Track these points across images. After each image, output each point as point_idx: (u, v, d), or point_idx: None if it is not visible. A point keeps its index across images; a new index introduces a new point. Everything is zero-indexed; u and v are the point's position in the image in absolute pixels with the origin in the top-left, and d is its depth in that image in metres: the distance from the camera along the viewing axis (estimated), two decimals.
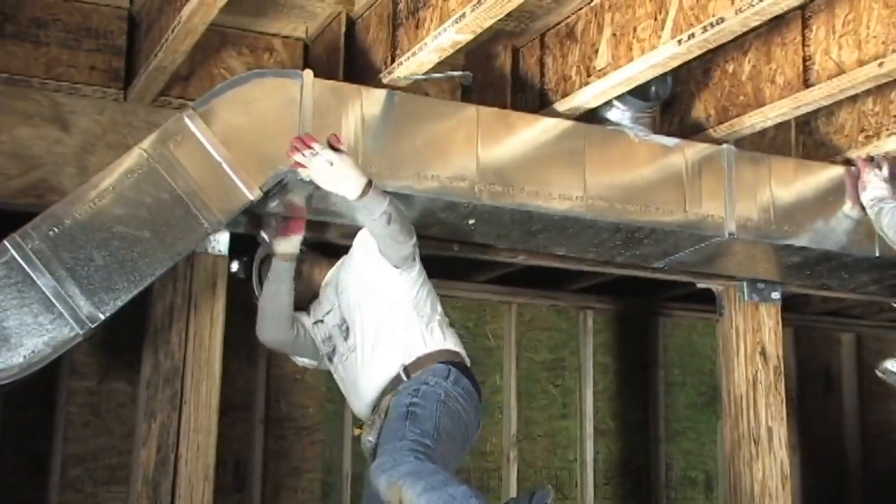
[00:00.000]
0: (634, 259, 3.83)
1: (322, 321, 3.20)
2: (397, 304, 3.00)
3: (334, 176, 2.85)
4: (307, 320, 3.28)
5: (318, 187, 2.94)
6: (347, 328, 3.07)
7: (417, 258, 3.04)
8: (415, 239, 2.97)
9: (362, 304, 3.03)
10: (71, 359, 4.34)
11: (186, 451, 3.28)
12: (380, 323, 3.00)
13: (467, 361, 3.06)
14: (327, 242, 3.44)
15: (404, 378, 2.93)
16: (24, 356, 2.84)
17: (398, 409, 2.81)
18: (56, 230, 2.88)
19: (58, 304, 2.85)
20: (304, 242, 3.25)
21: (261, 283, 3.29)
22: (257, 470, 4.71)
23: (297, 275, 3.25)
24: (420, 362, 2.94)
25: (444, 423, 2.79)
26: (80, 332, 2.88)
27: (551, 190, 3.34)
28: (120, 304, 2.91)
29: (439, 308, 3.10)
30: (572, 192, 3.36)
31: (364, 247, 3.03)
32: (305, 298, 3.29)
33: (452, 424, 2.83)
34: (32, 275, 2.84)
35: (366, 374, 3.00)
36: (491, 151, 3.29)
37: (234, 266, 3.32)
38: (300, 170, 2.88)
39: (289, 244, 3.18)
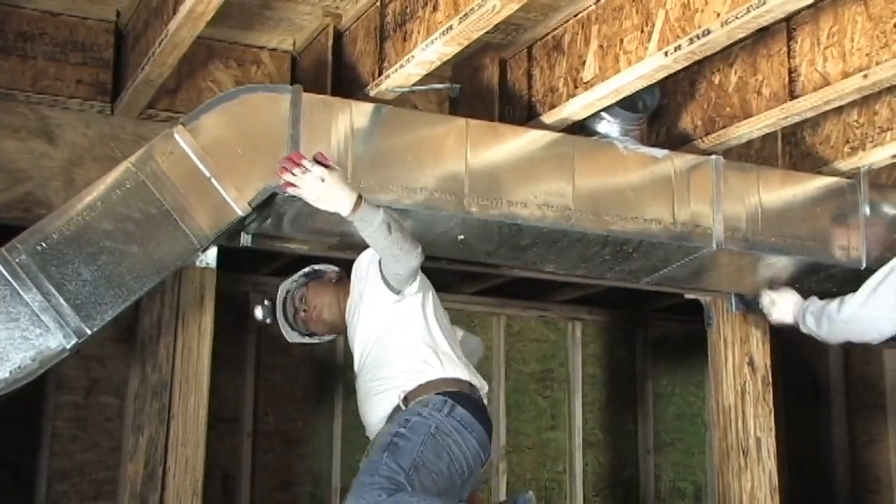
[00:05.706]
0: (624, 276, 3.81)
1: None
2: (395, 331, 2.94)
3: (326, 193, 2.77)
4: None
5: (307, 204, 2.87)
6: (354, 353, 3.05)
7: (419, 279, 2.95)
8: (420, 248, 2.87)
9: (363, 333, 2.99)
10: (58, 373, 4.32)
11: (174, 465, 3.27)
12: (380, 349, 2.95)
13: (478, 386, 2.96)
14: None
15: (403, 407, 2.86)
16: (11, 371, 2.82)
17: (383, 438, 2.76)
18: (43, 245, 2.87)
19: (45, 319, 2.84)
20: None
21: (288, 324, 3.22)
22: (246, 483, 4.68)
23: (335, 304, 3.18)
24: (419, 391, 2.86)
25: (427, 458, 2.71)
26: (68, 347, 2.86)
27: (540, 201, 3.34)
28: (108, 318, 2.90)
29: (444, 328, 3.01)
30: (561, 203, 3.37)
31: (364, 279, 2.98)
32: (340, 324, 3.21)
33: (436, 460, 2.74)
34: (19, 289, 2.83)
35: (370, 402, 2.96)
36: (480, 164, 3.28)
37: (259, 312, 3.21)
38: (290, 189, 2.81)
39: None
